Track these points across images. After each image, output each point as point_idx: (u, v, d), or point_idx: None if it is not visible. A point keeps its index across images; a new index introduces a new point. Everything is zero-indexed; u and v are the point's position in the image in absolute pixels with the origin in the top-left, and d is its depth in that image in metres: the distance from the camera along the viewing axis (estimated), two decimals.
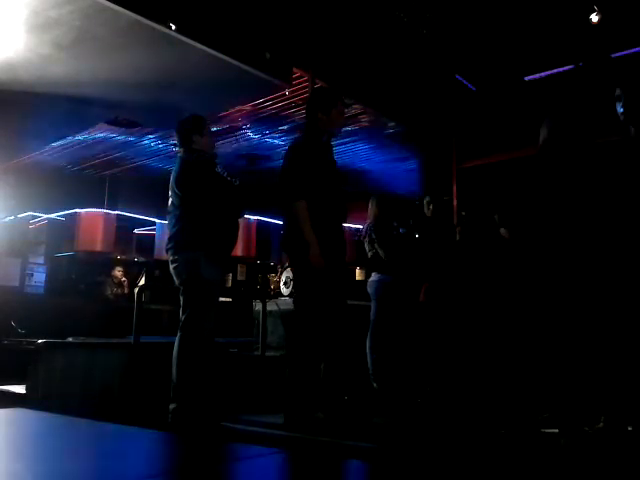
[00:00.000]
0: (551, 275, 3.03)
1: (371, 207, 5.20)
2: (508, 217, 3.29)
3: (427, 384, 4.69)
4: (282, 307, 5.17)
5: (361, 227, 5.41)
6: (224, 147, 7.34)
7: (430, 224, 5.20)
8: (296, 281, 3.52)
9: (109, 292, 8.61)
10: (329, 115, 3.49)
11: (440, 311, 4.77)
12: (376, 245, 5.00)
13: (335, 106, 3.53)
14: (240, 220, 3.96)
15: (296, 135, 6.23)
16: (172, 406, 3.44)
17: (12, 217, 7.78)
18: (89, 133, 7.06)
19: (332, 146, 3.64)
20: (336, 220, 3.47)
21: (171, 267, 3.63)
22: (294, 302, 3.50)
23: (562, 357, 3.01)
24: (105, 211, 8.71)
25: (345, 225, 3.65)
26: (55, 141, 7.21)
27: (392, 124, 6.84)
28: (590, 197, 3.02)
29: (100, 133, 7.10)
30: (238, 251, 8.19)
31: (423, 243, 5.15)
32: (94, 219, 8.51)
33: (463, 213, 5.31)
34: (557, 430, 3.01)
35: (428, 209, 5.22)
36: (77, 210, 8.67)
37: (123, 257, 9.55)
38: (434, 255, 5.01)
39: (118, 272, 8.82)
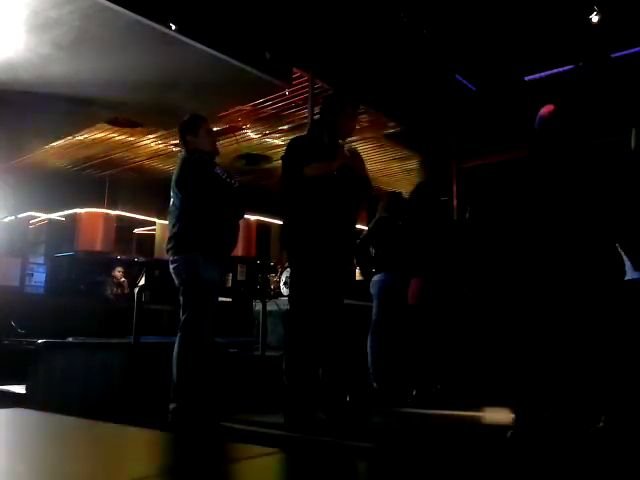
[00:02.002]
0: (546, 275, 3.03)
1: (380, 205, 5.17)
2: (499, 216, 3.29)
3: (426, 384, 4.69)
4: (282, 307, 5.17)
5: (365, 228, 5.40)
6: (224, 147, 7.34)
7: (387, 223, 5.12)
8: (291, 279, 3.55)
9: (109, 292, 8.60)
10: (337, 119, 3.51)
11: (437, 312, 4.75)
12: (372, 245, 4.99)
13: (343, 110, 3.55)
14: (240, 221, 3.95)
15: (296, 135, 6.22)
16: (172, 406, 3.44)
17: (12, 217, 7.78)
18: (89, 133, 7.06)
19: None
20: (336, 220, 3.47)
21: (171, 267, 3.63)
22: (288, 300, 3.52)
23: (562, 357, 3.01)
24: (105, 211, 8.71)
25: (349, 226, 3.66)
26: (55, 141, 7.21)
27: (392, 124, 6.85)
28: (579, 198, 3.02)
29: (100, 133, 7.10)
30: (238, 251, 8.20)
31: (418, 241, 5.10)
32: (94, 219, 8.52)
33: (468, 209, 5.26)
34: (557, 430, 3.01)
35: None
36: (77, 210, 8.68)
37: (123, 257, 9.54)
38: (422, 253, 4.95)
39: (118, 272, 8.82)
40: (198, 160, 3.65)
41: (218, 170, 3.69)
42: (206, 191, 3.59)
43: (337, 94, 4.20)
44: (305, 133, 3.92)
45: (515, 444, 2.88)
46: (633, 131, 3.10)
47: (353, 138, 7.15)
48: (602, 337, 2.98)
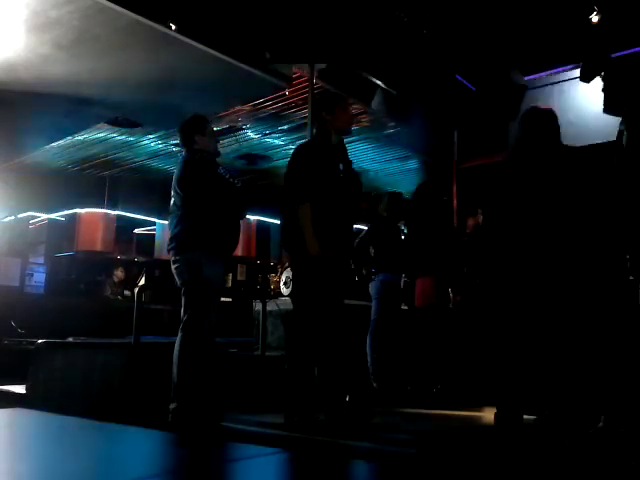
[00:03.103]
0: (547, 274, 3.03)
1: (380, 205, 5.15)
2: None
3: (426, 383, 4.69)
4: (282, 307, 5.17)
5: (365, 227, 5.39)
6: (224, 147, 7.34)
7: (385, 223, 5.12)
8: (295, 280, 3.53)
9: (109, 292, 8.60)
10: (333, 114, 3.49)
11: (445, 314, 4.74)
12: (372, 245, 4.99)
13: (337, 104, 3.53)
14: (241, 221, 3.95)
15: (296, 135, 6.24)
16: (172, 406, 3.44)
17: (12, 217, 7.78)
18: (89, 133, 7.06)
19: (345, 148, 3.66)
20: (340, 221, 3.46)
21: (173, 267, 3.62)
22: (292, 300, 3.51)
23: (562, 357, 3.01)
24: (105, 211, 8.71)
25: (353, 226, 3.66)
26: (55, 141, 7.21)
27: (392, 124, 6.85)
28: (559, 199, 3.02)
29: (100, 133, 7.10)
30: (238, 251, 8.19)
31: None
32: (94, 219, 8.52)
33: (480, 211, 5.20)
34: (557, 430, 3.01)
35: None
36: (77, 210, 8.67)
37: (123, 257, 9.54)
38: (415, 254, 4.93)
39: (119, 272, 8.82)
40: (202, 160, 3.66)
41: (221, 170, 3.69)
42: (210, 191, 3.59)
43: (325, 92, 4.31)
44: (309, 137, 3.90)
45: (516, 444, 2.88)
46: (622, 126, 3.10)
47: (353, 138, 7.18)
48: (602, 337, 2.98)
